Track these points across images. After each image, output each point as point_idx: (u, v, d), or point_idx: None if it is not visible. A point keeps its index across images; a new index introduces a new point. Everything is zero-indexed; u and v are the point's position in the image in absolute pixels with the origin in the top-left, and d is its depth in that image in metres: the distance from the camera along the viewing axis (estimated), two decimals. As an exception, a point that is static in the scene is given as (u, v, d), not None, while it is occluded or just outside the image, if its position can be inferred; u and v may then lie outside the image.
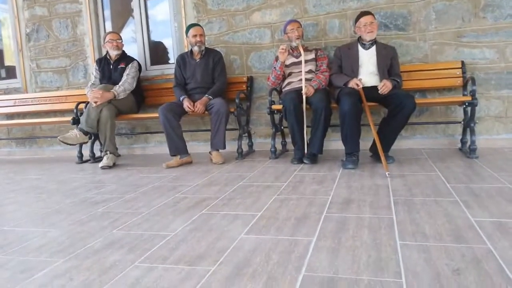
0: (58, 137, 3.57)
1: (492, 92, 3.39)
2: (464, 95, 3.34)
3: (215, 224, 1.80)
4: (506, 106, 3.38)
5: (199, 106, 3.44)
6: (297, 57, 3.40)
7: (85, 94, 3.97)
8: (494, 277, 1.17)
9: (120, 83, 3.76)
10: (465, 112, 3.26)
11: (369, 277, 1.21)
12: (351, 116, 2.84)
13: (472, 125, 3.06)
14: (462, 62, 3.36)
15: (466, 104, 3.14)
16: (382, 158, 2.69)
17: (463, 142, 3.31)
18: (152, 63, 4.46)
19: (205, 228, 1.75)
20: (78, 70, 4.56)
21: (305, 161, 3.09)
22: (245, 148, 3.83)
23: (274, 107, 3.43)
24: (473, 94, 3.01)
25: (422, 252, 1.36)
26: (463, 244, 1.41)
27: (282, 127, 3.76)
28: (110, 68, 3.93)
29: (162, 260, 1.43)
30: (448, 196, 2.02)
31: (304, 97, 3.14)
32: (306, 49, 3.43)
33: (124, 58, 3.95)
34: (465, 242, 1.43)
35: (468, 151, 3.07)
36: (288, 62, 3.40)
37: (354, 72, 3.17)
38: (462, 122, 3.30)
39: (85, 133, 3.63)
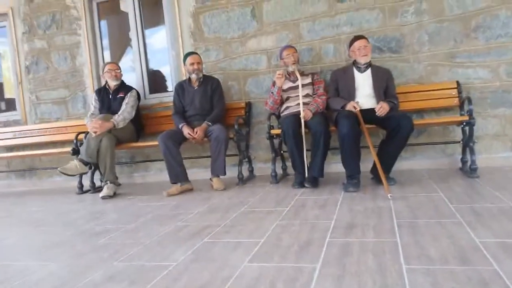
0: (58, 169, 3.56)
1: (489, 111, 3.42)
2: (461, 114, 3.37)
3: (218, 253, 1.78)
4: (503, 124, 3.40)
5: (199, 132, 3.46)
6: (294, 81, 3.44)
7: (84, 125, 3.99)
8: (503, 300, 1.15)
9: (119, 113, 3.78)
10: (463, 131, 3.28)
11: (376, 304, 1.19)
12: (350, 138, 2.85)
13: (471, 144, 3.07)
14: (457, 82, 3.41)
15: (464, 123, 3.16)
16: (383, 180, 2.68)
17: (463, 161, 3.31)
18: (151, 92, 4.50)
19: (207, 257, 1.73)
20: (77, 100, 4.60)
21: (306, 185, 3.08)
22: (245, 173, 3.83)
23: (273, 131, 3.45)
24: (470, 113, 3.04)
25: (427, 276, 1.34)
26: (469, 267, 1.39)
27: (282, 152, 3.76)
28: (109, 98, 3.97)
29: (165, 292, 1.41)
30: (451, 217, 2.01)
31: (302, 121, 3.16)
32: (302, 74, 3.47)
33: (123, 88, 3.99)
34: (471, 264, 1.41)
35: (468, 170, 3.07)
36: (285, 87, 3.44)
37: (351, 95, 3.20)
38: (461, 142, 3.31)
39: (85, 163, 3.63)
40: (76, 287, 1.53)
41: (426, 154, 3.60)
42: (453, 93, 3.39)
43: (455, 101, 3.38)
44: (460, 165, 3.38)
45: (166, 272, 1.59)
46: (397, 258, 1.53)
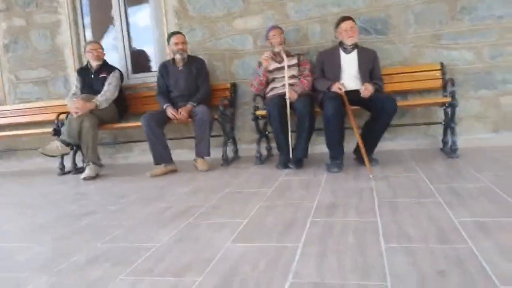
0: (39, 150, 3.51)
1: (471, 92, 3.46)
2: (444, 96, 3.41)
3: (202, 233, 1.79)
4: (485, 106, 3.45)
5: (183, 113, 3.43)
6: (280, 62, 3.41)
7: (65, 105, 3.92)
8: (476, 277, 1.19)
9: (102, 93, 3.71)
10: (445, 113, 3.32)
11: (355, 281, 1.21)
12: (334, 120, 2.86)
13: (452, 125, 3.12)
14: (442, 64, 3.43)
15: (446, 105, 3.20)
16: (366, 161, 2.71)
17: (444, 142, 3.36)
18: (134, 71, 4.42)
19: (191, 238, 1.74)
20: (58, 80, 4.50)
21: (290, 166, 3.10)
22: (230, 154, 3.82)
23: (258, 113, 3.44)
24: (452, 95, 3.07)
25: (406, 255, 1.38)
26: (446, 245, 1.43)
27: (267, 133, 3.77)
28: (91, 78, 3.88)
29: (148, 272, 1.42)
30: (431, 197, 2.05)
31: (287, 102, 3.15)
32: (288, 54, 3.44)
33: (106, 67, 3.91)
34: (449, 243, 1.45)
35: (449, 151, 3.13)
36: (271, 68, 3.42)
37: (337, 76, 3.20)
38: (443, 123, 3.36)
39: (67, 144, 3.57)
40: (59, 268, 1.53)
41: (408, 135, 3.64)
42: (437, 75, 3.42)
43: (439, 82, 3.41)
44: (441, 145, 3.43)
45: (150, 253, 1.60)
46: (377, 237, 1.56)
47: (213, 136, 3.57)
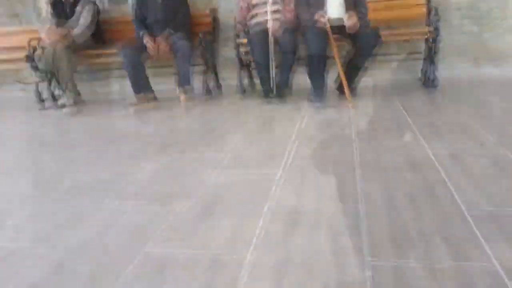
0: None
1: (455, 24, 3.41)
2: (427, 26, 3.34)
3: (186, 165, 1.83)
4: (466, 37, 3.43)
5: (161, 44, 3.28)
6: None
7: (37, 31, 3.70)
8: (444, 201, 1.28)
9: (78, 26, 3.49)
10: (427, 45, 3.28)
11: (332, 206, 1.29)
12: (318, 56, 2.83)
13: (434, 57, 3.11)
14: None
15: (429, 35, 3.15)
16: (347, 92, 2.73)
17: (425, 74, 3.37)
18: (110, 3, 4.12)
19: (174, 169, 1.78)
20: (29, 13, 4.19)
21: (273, 98, 3.09)
22: (213, 87, 3.75)
23: (239, 41, 3.34)
24: (436, 25, 3.03)
25: (380, 183, 1.45)
26: (418, 173, 1.51)
27: (250, 69, 3.67)
28: (66, 11, 3.61)
29: (133, 198, 1.46)
30: (408, 129, 2.11)
31: (270, 34, 3.05)
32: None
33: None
34: (421, 172, 1.53)
35: (430, 83, 3.15)
36: (254, 2, 3.26)
37: (321, 4, 3.09)
38: (424, 55, 3.34)
39: (44, 73, 3.43)
40: (44, 198, 1.56)
41: (389, 67, 3.63)
42: (422, 1, 3.30)
43: (423, 10, 3.31)
44: (422, 78, 3.44)
45: (135, 182, 1.64)
46: (353, 167, 1.63)
47: (194, 65, 3.47)
